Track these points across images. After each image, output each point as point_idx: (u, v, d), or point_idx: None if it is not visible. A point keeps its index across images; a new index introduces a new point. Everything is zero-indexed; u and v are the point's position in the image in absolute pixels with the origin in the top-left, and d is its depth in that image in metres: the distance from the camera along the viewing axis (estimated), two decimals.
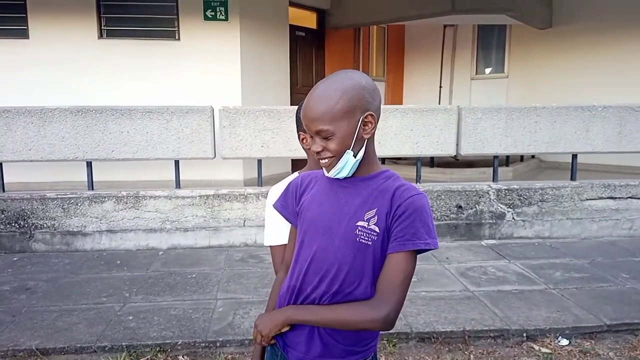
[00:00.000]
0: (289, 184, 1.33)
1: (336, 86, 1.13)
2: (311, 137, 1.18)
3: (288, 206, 1.31)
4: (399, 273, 1.13)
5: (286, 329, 1.22)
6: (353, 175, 1.19)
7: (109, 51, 5.98)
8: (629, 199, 4.99)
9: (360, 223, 1.16)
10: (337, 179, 1.21)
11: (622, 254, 4.46)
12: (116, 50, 5.98)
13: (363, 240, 1.15)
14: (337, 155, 1.15)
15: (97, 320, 3.10)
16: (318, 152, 1.16)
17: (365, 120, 1.14)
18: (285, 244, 1.41)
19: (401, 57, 10.03)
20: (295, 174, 1.50)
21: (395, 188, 1.17)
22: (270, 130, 4.67)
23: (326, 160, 1.16)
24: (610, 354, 2.84)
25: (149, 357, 2.77)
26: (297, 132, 1.54)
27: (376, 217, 1.15)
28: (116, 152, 4.59)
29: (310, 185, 1.28)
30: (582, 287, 3.64)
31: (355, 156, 1.16)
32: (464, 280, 3.79)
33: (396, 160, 7.13)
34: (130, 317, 3.13)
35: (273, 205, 1.36)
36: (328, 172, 1.19)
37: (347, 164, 1.16)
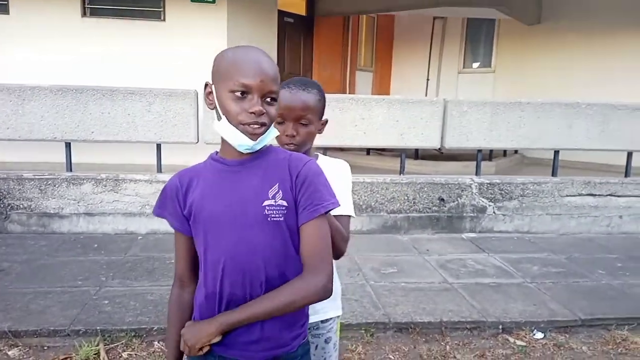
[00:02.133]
0: (165, 188, 1.22)
1: (269, 59, 1.14)
2: (244, 95, 1.09)
3: (171, 211, 1.20)
4: (321, 239, 1.15)
5: (217, 339, 1.13)
6: (245, 154, 1.15)
7: (92, 30, 5.83)
8: (608, 196, 5.06)
9: (266, 202, 1.12)
10: (224, 166, 1.17)
11: (599, 250, 4.53)
12: (100, 30, 5.84)
13: (275, 218, 1.12)
14: (269, 124, 1.13)
15: (72, 303, 3.04)
16: (258, 114, 1.09)
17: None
18: None
19: (390, 47, 10.00)
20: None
21: (286, 159, 1.17)
22: None
23: (259, 127, 1.10)
24: (583, 348, 2.88)
25: (123, 341, 2.73)
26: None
27: (280, 192, 1.13)
28: (96, 134, 4.50)
29: (193, 184, 1.19)
30: (558, 281, 3.69)
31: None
32: (443, 272, 3.81)
33: (381, 151, 7.13)
34: (106, 302, 3.09)
35: (152, 212, 1.26)
36: (254, 139, 1.11)
37: (271, 135, 1.15)
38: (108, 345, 2.71)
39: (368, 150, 7.27)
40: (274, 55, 6.93)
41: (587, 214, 5.06)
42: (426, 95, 9.27)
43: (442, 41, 9.43)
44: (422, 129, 4.86)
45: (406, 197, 4.84)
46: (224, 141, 1.16)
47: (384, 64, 9.89)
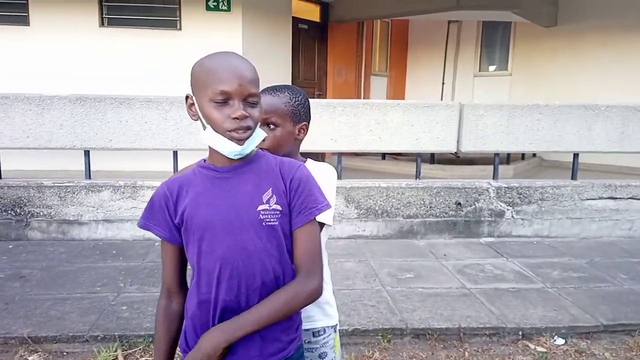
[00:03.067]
0: (153, 198, 1.19)
1: (248, 61, 1.14)
2: (225, 101, 1.08)
3: (159, 222, 1.18)
4: (313, 242, 1.18)
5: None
6: (235, 160, 1.14)
7: (110, 40, 5.94)
8: (629, 199, 4.96)
9: (261, 207, 1.13)
10: (214, 173, 1.15)
11: (620, 254, 4.43)
12: (117, 39, 5.94)
13: (270, 223, 1.13)
14: (254, 127, 1.12)
15: (91, 309, 3.08)
16: (242, 119, 1.08)
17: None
18: None
19: (404, 52, 9.97)
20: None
21: (278, 164, 1.18)
22: None
23: (243, 131, 1.09)
24: (606, 354, 2.81)
25: (141, 347, 2.75)
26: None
27: (274, 197, 1.14)
28: (114, 141, 4.56)
29: (183, 192, 1.17)
30: (579, 286, 3.61)
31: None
32: (461, 278, 3.77)
33: (396, 156, 7.10)
34: (124, 307, 3.12)
35: (138, 224, 1.22)
36: (241, 144, 1.10)
37: (256, 137, 1.14)
38: (126, 350, 2.73)
39: (383, 155, 7.24)
40: (288, 61, 6.97)
41: (608, 217, 4.96)
42: (442, 99, 9.20)
43: (458, 45, 9.37)
44: (438, 133, 4.82)
45: (422, 202, 4.80)
46: (212, 149, 1.15)
47: (398, 69, 9.86)
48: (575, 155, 5.10)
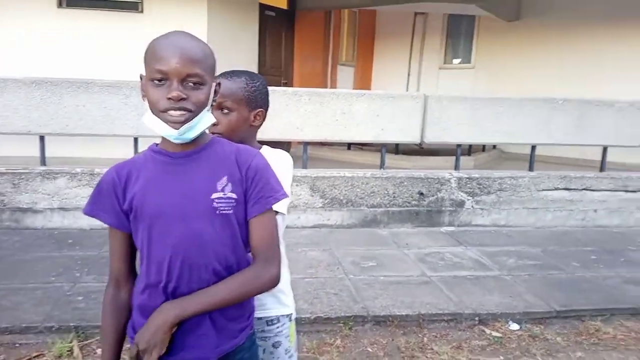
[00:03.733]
0: (101, 183, 1.14)
1: (199, 41, 1.11)
2: (162, 81, 1.04)
3: (107, 208, 1.13)
4: (271, 231, 1.16)
5: (174, 329, 1.08)
6: (188, 145, 1.10)
7: (68, 21, 5.69)
8: (583, 190, 5.16)
9: (215, 195, 1.09)
10: (167, 158, 1.11)
11: (574, 243, 4.61)
12: (76, 21, 5.70)
13: (224, 211, 1.10)
14: (197, 111, 1.06)
15: (45, 300, 2.98)
16: (176, 99, 1.02)
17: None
18: None
19: (371, 42, 10.00)
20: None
21: (234, 152, 1.15)
22: None
23: (183, 113, 1.04)
24: (558, 338, 2.93)
25: (98, 337, 2.69)
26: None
27: (229, 185, 1.11)
28: (71, 127, 4.41)
29: (133, 177, 1.12)
30: (534, 274, 3.75)
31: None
32: (422, 266, 3.84)
33: (361, 146, 7.14)
34: (80, 298, 3.03)
35: (83, 211, 1.16)
36: (178, 129, 1.04)
37: (202, 122, 1.09)
38: (82, 341, 2.66)
39: (349, 145, 7.27)
40: (254, 49, 6.88)
41: (562, 207, 5.15)
42: (407, 90, 9.30)
43: (424, 37, 9.47)
44: (403, 124, 4.87)
45: (386, 192, 4.86)
46: None
47: (365, 59, 9.88)
48: (533, 147, 5.26)
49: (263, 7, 7.13)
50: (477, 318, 3.07)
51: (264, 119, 1.47)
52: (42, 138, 4.49)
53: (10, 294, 3.03)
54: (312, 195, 4.74)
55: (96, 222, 4.28)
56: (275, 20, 7.66)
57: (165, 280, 1.10)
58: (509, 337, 2.92)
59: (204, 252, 1.10)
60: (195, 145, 1.12)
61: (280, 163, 1.40)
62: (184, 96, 1.03)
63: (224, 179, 1.11)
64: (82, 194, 4.41)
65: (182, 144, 1.10)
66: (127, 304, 1.19)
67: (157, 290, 1.11)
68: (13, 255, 3.72)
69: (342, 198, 4.79)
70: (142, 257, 1.14)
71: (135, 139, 4.59)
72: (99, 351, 2.59)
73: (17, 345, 2.64)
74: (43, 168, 4.42)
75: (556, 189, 5.12)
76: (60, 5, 5.70)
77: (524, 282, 3.58)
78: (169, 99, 1.03)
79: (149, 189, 1.10)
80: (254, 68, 6.85)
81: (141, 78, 1.10)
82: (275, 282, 1.15)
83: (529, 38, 7.92)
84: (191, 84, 1.05)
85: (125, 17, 5.80)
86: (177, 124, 1.04)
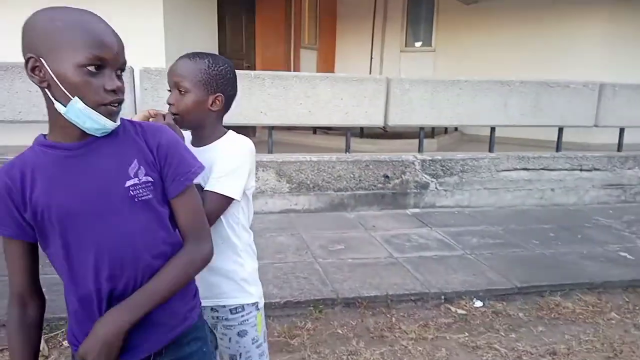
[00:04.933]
0: None
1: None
2: (99, 69, 0.97)
3: (2, 218, 1.00)
4: (197, 206, 1.12)
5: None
6: (88, 134, 0.99)
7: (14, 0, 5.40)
8: (541, 170, 5.35)
9: (129, 182, 1.00)
10: (63, 151, 0.99)
11: (533, 221, 4.79)
12: None
13: (143, 197, 1.02)
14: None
15: (4, 293, 2.86)
16: (118, 92, 0.97)
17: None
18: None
19: (333, 24, 9.94)
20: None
21: (139, 132, 1.06)
22: None
23: (118, 105, 0.98)
24: (520, 314, 3.06)
25: (64, 329, 2.62)
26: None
27: (142, 168, 1.02)
28: (24, 114, 4.21)
29: (27, 179, 0.98)
30: (496, 252, 3.88)
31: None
32: (388, 247, 3.91)
33: (327, 130, 7.14)
34: (44, 289, 2.93)
35: None
36: (114, 120, 0.98)
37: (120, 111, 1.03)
38: (47, 334, 2.58)
39: (314, 130, 7.27)
40: (214, 32, 6.73)
41: (521, 187, 5.33)
42: (370, 73, 9.33)
43: (385, 19, 9.49)
44: (367, 107, 4.90)
45: (352, 175, 4.89)
46: (59, 123, 0.97)
47: (328, 42, 9.83)
48: (493, 129, 5.40)
49: None
50: (442, 297, 3.16)
51: (225, 105, 1.43)
52: None
53: None
54: (279, 181, 4.72)
55: None
56: (234, 3, 7.50)
57: (95, 284, 1.01)
58: (473, 314, 3.03)
59: (132, 245, 1.02)
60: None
61: (238, 149, 1.40)
62: (122, 86, 0.97)
63: (135, 163, 1.02)
64: None
65: (81, 134, 0.98)
66: (37, 320, 1.10)
67: (90, 299, 1.02)
68: None
69: (308, 182, 4.79)
70: (60, 266, 1.03)
71: None
72: (65, 343, 2.53)
73: None
74: None
75: (515, 169, 5.28)
76: None
77: (487, 260, 3.70)
78: (112, 90, 0.95)
79: (53, 190, 0.98)
80: (214, 52, 6.70)
81: (31, 59, 0.94)
82: (209, 257, 1.12)
83: (488, 21, 8.07)
84: (119, 72, 0.99)
85: None
86: (115, 115, 0.98)
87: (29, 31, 0.96)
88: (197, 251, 1.09)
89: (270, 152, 4.86)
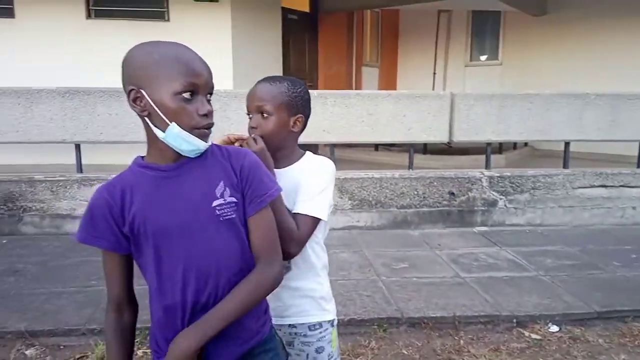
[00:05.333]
0: (91, 207, 1.08)
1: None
2: (193, 95, 1.04)
3: (103, 232, 1.07)
4: (270, 228, 1.15)
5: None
6: (180, 156, 1.08)
7: (97, 32, 5.86)
8: (620, 187, 5.01)
9: (216, 202, 1.07)
10: (159, 172, 1.08)
11: (613, 242, 4.48)
12: (105, 31, 5.86)
13: (228, 217, 1.08)
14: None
15: (87, 303, 3.06)
16: (209, 115, 1.06)
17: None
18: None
19: (395, 42, 9.96)
20: None
21: (225, 155, 1.13)
22: None
23: (208, 129, 1.08)
24: (599, 340, 2.85)
25: (138, 339, 2.74)
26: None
27: (227, 189, 1.09)
28: (105, 135, 4.52)
29: (127, 196, 1.07)
30: (572, 274, 3.66)
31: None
32: (455, 267, 3.80)
33: (389, 147, 7.11)
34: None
35: (76, 238, 1.11)
36: (207, 142, 1.07)
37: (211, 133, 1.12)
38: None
39: (376, 146, 7.25)
40: (279, 53, 6.94)
41: (599, 205, 5.01)
42: (433, 89, 9.22)
43: (448, 35, 9.38)
44: (430, 123, 4.83)
45: (416, 192, 4.82)
46: (157, 146, 1.07)
47: (389, 59, 9.85)
48: (567, 144, 5.14)
49: (285, 11, 7.19)
50: (514, 320, 3.01)
51: (304, 126, 1.48)
52: (77, 146, 4.62)
53: (52, 298, 3.12)
54: (341, 197, 4.74)
55: None
56: (298, 23, 7.71)
57: (181, 296, 1.08)
58: (548, 340, 2.86)
59: (216, 261, 1.08)
60: (186, 156, 1.09)
61: (317, 170, 1.42)
62: (212, 111, 1.06)
63: (221, 184, 1.09)
64: None
65: (175, 156, 1.07)
66: (131, 327, 1.18)
67: (175, 310, 1.09)
68: (54, 260, 3.83)
69: (371, 199, 4.77)
70: (150, 277, 1.11)
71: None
72: (139, 352, 2.66)
73: (61, 347, 2.72)
74: (80, 175, 4.55)
75: (592, 186, 4.99)
76: (89, 16, 5.87)
77: (563, 282, 3.49)
78: (204, 115, 1.03)
79: (148, 208, 1.06)
80: (278, 72, 6.89)
81: (132, 91, 1.03)
82: (278, 281, 1.15)
83: (557, 32, 7.77)
84: (208, 97, 1.07)
85: (152, 26, 5.94)
86: (206, 137, 1.06)
87: (128, 65, 1.04)
88: (266, 273, 1.13)
89: None
